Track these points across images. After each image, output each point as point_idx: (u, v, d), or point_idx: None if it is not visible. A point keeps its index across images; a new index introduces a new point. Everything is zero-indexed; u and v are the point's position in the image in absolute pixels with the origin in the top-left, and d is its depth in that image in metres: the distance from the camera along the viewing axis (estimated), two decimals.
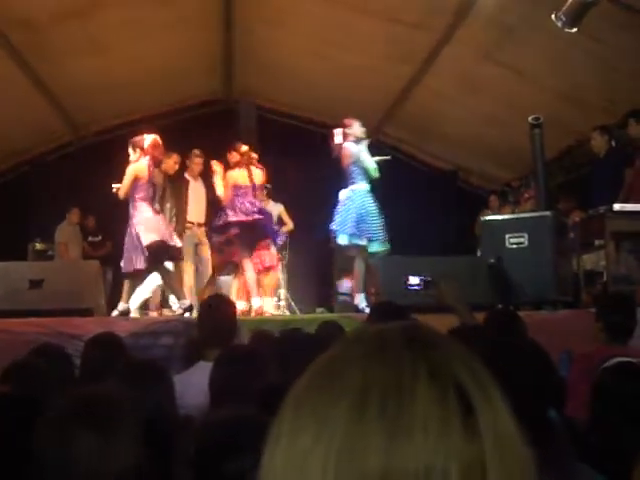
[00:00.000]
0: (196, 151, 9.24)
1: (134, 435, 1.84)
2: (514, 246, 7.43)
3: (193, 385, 3.37)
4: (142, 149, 7.83)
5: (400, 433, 0.72)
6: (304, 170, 11.67)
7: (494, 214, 9.91)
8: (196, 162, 9.17)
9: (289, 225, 10.04)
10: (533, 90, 9.50)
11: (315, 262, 12.18)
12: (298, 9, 9.70)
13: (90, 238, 11.56)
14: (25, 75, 10.13)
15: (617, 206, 7.24)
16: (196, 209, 9.14)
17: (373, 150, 8.30)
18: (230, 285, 9.39)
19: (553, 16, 7.52)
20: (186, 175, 9.18)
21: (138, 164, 7.82)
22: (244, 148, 8.72)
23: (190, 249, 8.81)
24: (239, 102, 11.98)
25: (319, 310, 10.86)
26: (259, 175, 8.72)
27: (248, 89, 12.37)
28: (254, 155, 8.82)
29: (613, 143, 8.19)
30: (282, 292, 10.18)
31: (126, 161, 7.98)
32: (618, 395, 2.65)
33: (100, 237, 11.41)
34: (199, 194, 9.21)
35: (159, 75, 11.15)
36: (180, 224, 8.89)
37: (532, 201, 9.76)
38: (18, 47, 9.53)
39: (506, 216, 8.74)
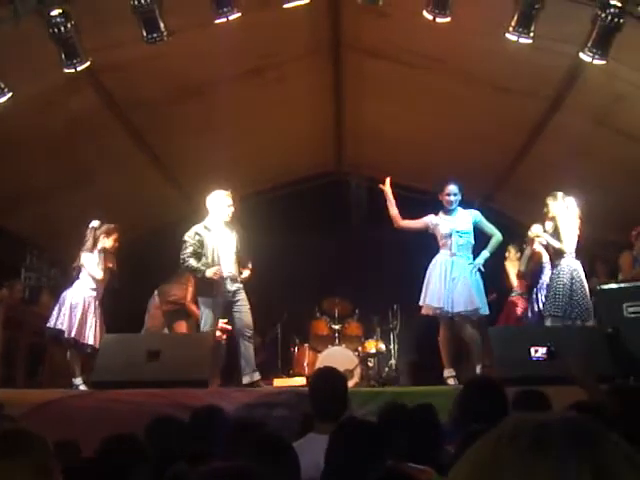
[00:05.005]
0: None
1: None
2: (632, 315, 7.20)
3: (304, 458, 3.37)
4: None
5: None
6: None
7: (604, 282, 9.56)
8: None
9: (496, 235, 8.55)
10: None
11: (424, 331, 11.99)
12: (405, 81, 9.79)
13: None
14: (142, 152, 10.58)
15: None
16: None
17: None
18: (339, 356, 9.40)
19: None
20: None
21: None
22: None
23: None
24: (349, 174, 12.11)
25: None
26: None
27: (358, 161, 12.51)
28: None
29: None
30: (393, 363, 10.07)
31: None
32: None
33: None
34: None
35: (271, 149, 11.42)
36: None
37: None
38: (137, 126, 9.98)
39: (622, 284, 8.47)
